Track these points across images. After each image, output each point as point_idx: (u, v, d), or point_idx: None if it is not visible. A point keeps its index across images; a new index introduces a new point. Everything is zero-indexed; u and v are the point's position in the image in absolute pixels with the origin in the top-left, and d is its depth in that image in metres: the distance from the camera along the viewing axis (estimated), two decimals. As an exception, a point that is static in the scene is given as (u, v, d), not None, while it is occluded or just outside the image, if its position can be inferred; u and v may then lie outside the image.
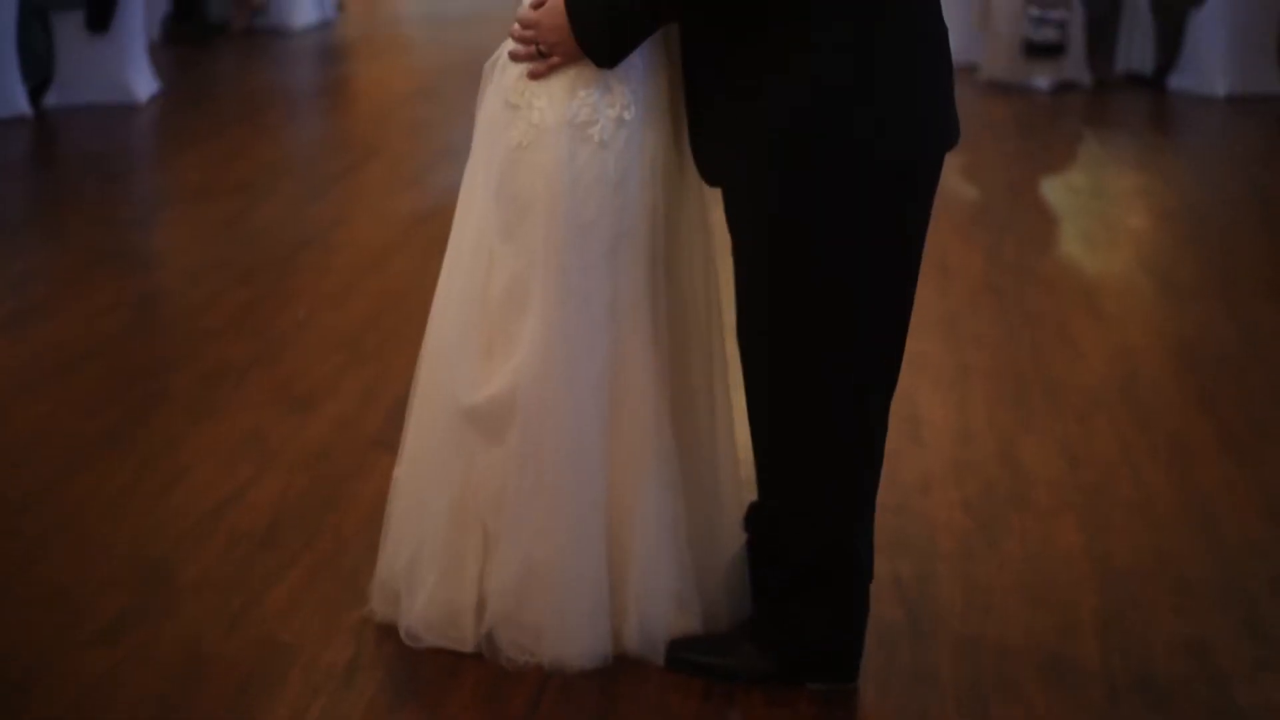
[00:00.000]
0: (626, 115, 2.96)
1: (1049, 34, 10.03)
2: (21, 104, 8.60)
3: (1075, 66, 10.23)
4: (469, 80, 3.13)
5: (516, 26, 2.99)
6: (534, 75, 2.97)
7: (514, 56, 3.01)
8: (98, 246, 6.40)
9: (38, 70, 8.89)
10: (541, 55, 2.95)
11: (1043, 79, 10.13)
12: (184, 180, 7.62)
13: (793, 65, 2.77)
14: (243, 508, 3.92)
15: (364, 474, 4.07)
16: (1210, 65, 10.08)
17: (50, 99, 8.91)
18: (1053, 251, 6.75)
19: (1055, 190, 7.84)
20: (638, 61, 2.96)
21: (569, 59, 2.93)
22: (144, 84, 9.24)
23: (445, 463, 3.08)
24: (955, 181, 7.55)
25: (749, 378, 3.01)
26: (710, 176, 2.98)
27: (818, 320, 2.88)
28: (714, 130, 2.91)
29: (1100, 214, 7.35)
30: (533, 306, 2.98)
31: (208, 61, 11.04)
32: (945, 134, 2.94)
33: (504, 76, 3.03)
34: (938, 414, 4.67)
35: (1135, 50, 10.57)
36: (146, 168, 8.20)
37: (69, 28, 8.96)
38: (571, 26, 2.89)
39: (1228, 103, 9.90)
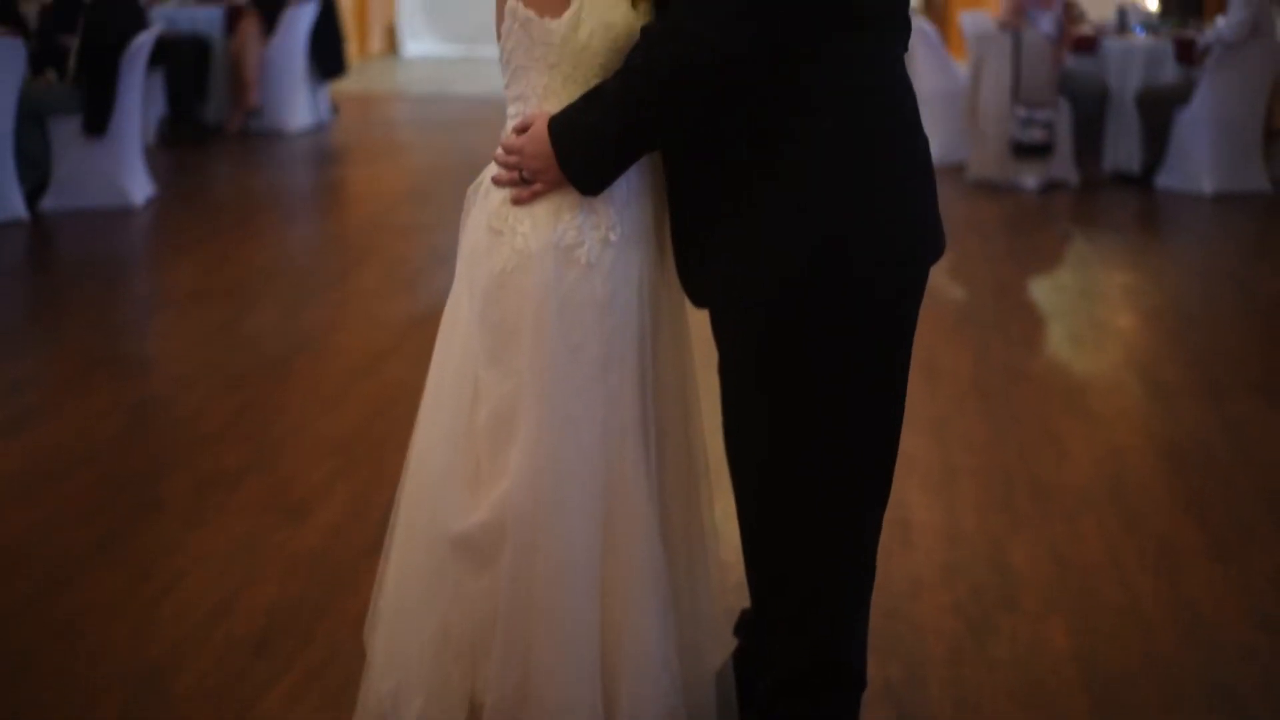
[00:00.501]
0: (612, 236, 2.96)
1: (1036, 134, 10.13)
2: (18, 207, 8.68)
3: (1062, 166, 10.33)
4: (462, 183, 3.15)
5: (500, 151, 2.98)
6: (517, 201, 2.96)
7: (497, 182, 3.00)
8: (93, 351, 6.44)
9: (34, 174, 8.98)
10: (525, 181, 2.94)
11: (1030, 178, 10.23)
12: (179, 284, 7.68)
13: (783, 198, 2.78)
14: (236, 615, 3.94)
15: (356, 581, 4.09)
16: (1196, 164, 10.19)
17: (46, 202, 8.99)
18: (1041, 351, 6.80)
19: (1043, 290, 7.91)
20: (622, 183, 2.95)
21: (552, 186, 2.92)
22: (140, 187, 9.32)
23: (431, 590, 3.05)
24: (943, 282, 7.61)
25: (738, 490, 3.01)
26: (698, 300, 2.98)
27: (808, 437, 2.89)
28: (702, 256, 2.92)
29: (1088, 313, 7.40)
30: (521, 432, 2.96)
31: (203, 164, 11.13)
32: (934, 248, 2.96)
33: (488, 201, 3.03)
34: (927, 516, 4.70)
35: (1122, 149, 10.68)
36: (142, 272, 8.26)
37: (66, 132, 9.05)
38: (555, 154, 2.88)
39: (1214, 201, 10.00)
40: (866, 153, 2.79)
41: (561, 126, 2.87)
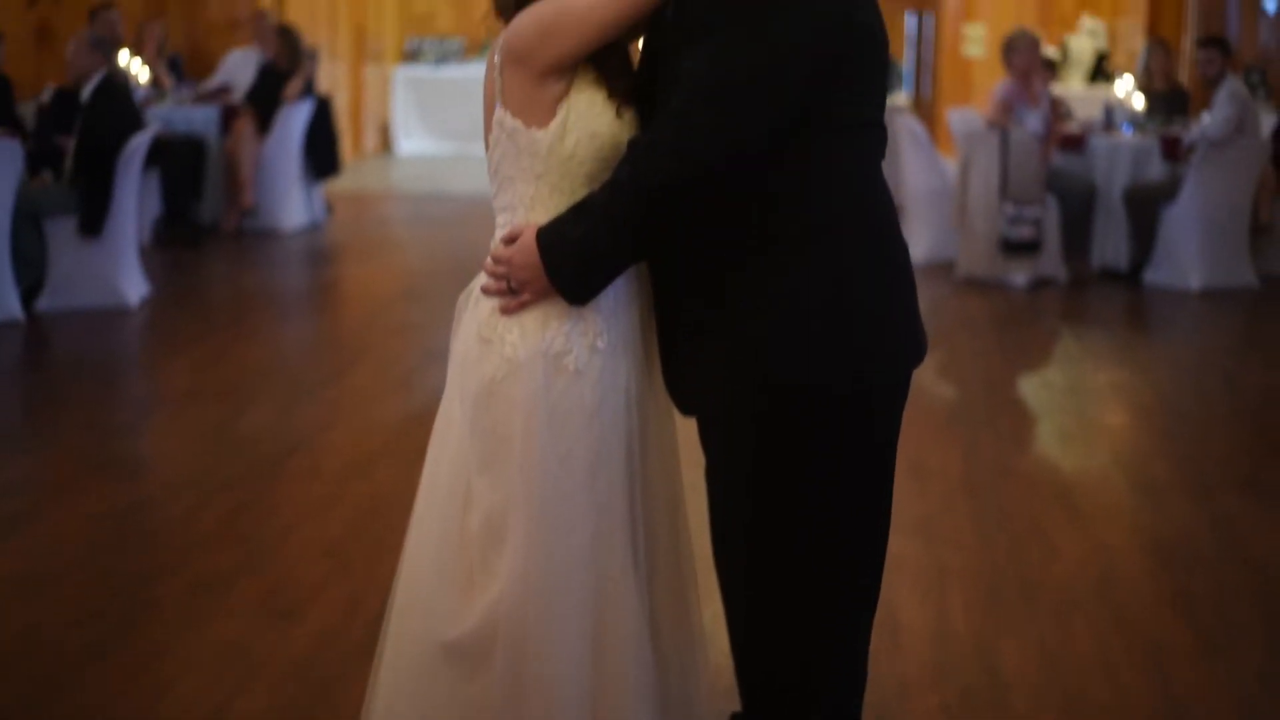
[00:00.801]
0: (600, 343, 3.00)
1: (1024, 231, 10.21)
2: (13, 308, 8.73)
3: (1051, 263, 10.41)
4: (455, 282, 3.20)
5: (489, 261, 3.02)
6: (505, 311, 2.99)
7: (486, 291, 3.03)
8: (87, 453, 6.47)
9: (30, 274, 9.04)
10: (513, 291, 2.98)
11: (1019, 275, 10.30)
12: (173, 385, 7.72)
13: (768, 309, 2.83)
14: (228, 720, 3.95)
15: (348, 683, 4.10)
16: (1184, 260, 10.27)
17: (42, 303, 9.04)
18: (1030, 449, 6.83)
19: (1032, 387, 7.96)
20: (609, 290, 2.99)
21: (540, 296, 2.96)
22: (135, 287, 9.38)
23: (423, 695, 3.06)
24: (932, 380, 7.66)
25: (726, 594, 3.03)
26: (685, 408, 3.03)
27: (796, 541, 2.91)
28: (687, 366, 2.97)
29: (1077, 411, 7.45)
30: (512, 538, 2.99)
31: (198, 264, 11.20)
32: (916, 353, 3.01)
33: (477, 310, 3.06)
34: (915, 616, 4.72)
35: (1110, 246, 10.77)
36: (136, 372, 8.30)
37: (62, 232, 9.11)
38: (543, 266, 2.92)
39: (1202, 297, 10.07)
40: (847, 262, 2.85)
41: (549, 238, 2.91)
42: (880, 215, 2.93)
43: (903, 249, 2.99)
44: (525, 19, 2.94)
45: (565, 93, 2.96)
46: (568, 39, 2.91)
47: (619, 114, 2.97)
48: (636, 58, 3.08)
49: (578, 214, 2.89)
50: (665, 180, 2.78)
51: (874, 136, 2.94)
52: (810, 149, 2.82)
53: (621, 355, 3.04)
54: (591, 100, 2.97)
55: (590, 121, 2.96)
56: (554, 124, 2.96)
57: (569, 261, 2.91)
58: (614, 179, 2.86)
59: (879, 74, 2.94)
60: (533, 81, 2.95)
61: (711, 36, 2.76)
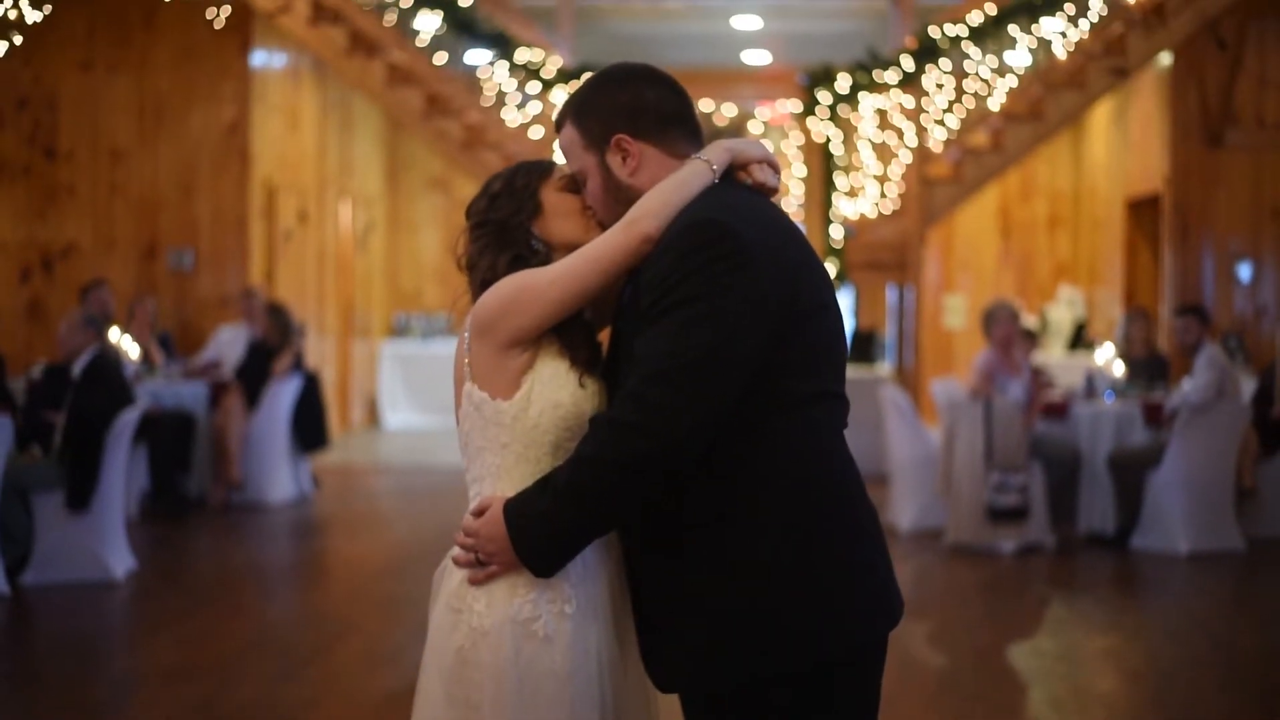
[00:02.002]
0: (568, 609, 3.06)
1: (1011, 498, 10.25)
2: (-3, 584, 8.69)
3: (1038, 529, 10.43)
4: (442, 556, 3.23)
5: (460, 534, 3.10)
6: (474, 581, 3.07)
7: (456, 562, 3.11)
8: (69, 732, 6.38)
9: (16, 549, 9.01)
10: (482, 563, 3.06)
11: (1007, 542, 10.31)
12: (158, 661, 7.64)
13: (732, 584, 2.93)
14: None
15: None
16: (1170, 524, 10.30)
17: (27, 577, 9.00)
18: (1023, 719, 6.77)
19: (1023, 655, 7.90)
20: (578, 559, 3.07)
21: (508, 568, 3.04)
22: (121, 561, 9.35)
23: None
24: (922, 649, 7.62)
25: None
26: (663, 686, 3.08)
27: None
28: (664, 646, 3.03)
29: (1069, 678, 7.39)
30: None
31: (185, 537, 11.18)
32: (889, 616, 3.06)
33: (449, 581, 3.14)
34: None
35: (1096, 511, 10.81)
36: (121, 648, 8.23)
37: (49, 507, 9.11)
38: (509, 538, 3.01)
39: (1189, 561, 10.08)
40: (812, 534, 2.95)
41: (515, 512, 3.01)
42: (840, 481, 3.03)
43: (868, 513, 3.08)
44: (491, 294, 3.10)
45: (530, 364, 3.10)
46: (527, 313, 3.06)
47: (581, 384, 3.10)
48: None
49: (542, 489, 2.99)
50: (625, 457, 2.88)
51: (830, 407, 3.06)
52: (763, 421, 2.94)
53: (591, 621, 3.09)
54: (555, 371, 3.10)
55: (554, 391, 3.08)
56: (519, 395, 3.09)
57: (534, 536, 3.00)
58: (576, 455, 2.96)
59: (834, 346, 3.07)
60: (497, 353, 3.09)
61: (664, 317, 2.89)
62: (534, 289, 3.06)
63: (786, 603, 2.92)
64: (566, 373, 3.10)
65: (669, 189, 3.05)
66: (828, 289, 3.08)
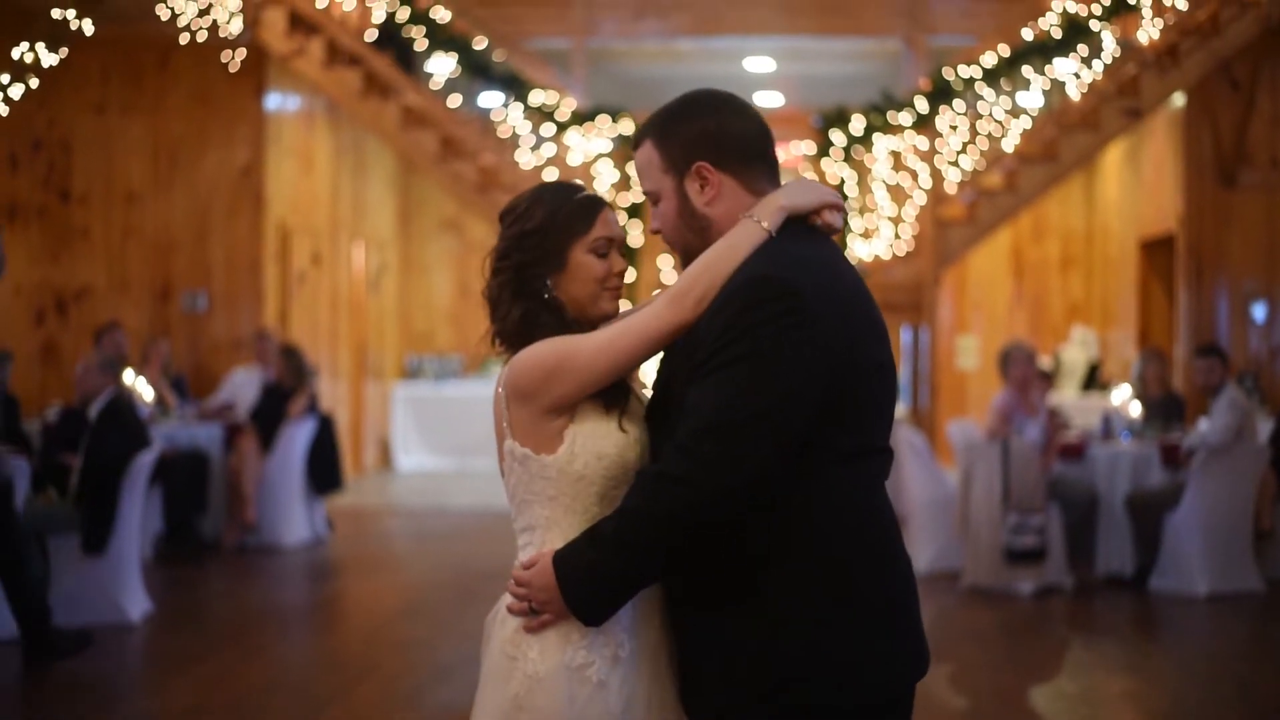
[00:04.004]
0: (621, 653, 3.08)
1: (1028, 540, 10.21)
2: (13, 626, 8.64)
3: (1056, 570, 10.39)
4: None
5: (512, 582, 3.12)
6: (529, 629, 3.09)
7: (510, 611, 3.13)
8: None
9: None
10: (535, 611, 3.08)
11: (1025, 584, 10.27)
12: (174, 704, 7.61)
13: (772, 628, 2.95)
14: None
15: None
16: (1189, 565, 10.25)
17: (43, 621, 8.97)
18: (1047, 761, 6.73)
19: (1045, 697, 7.85)
20: (630, 604, 3.08)
21: (560, 617, 3.06)
22: (136, 604, 9.33)
23: None
24: (942, 691, 7.58)
25: None
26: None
27: None
28: (699, 686, 3.06)
29: (1092, 720, 7.35)
30: None
31: (200, 580, 11.15)
32: (919, 666, 3.10)
33: (503, 629, 3.15)
34: None
35: (1114, 553, 10.76)
36: (137, 691, 8.19)
37: (65, 550, 9.10)
38: (560, 589, 3.02)
39: (1209, 602, 10.02)
40: (857, 581, 2.98)
41: (565, 563, 3.03)
42: (881, 533, 3.06)
43: (905, 562, 3.12)
44: (529, 359, 3.09)
45: (570, 419, 3.10)
46: (571, 383, 3.07)
47: (623, 428, 3.11)
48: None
49: (590, 540, 3.01)
50: (672, 509, 2.90)
51: (878, 461, 3.08)
52: (813, 475, 2.96)
53: (644, 662, 3.11)
54: (596, 423, 3.11)
55: (596, 443, 3.09)
56: (562, 449, 3.10)
57: (583, 586, 3.01)
58: (624, 507, 2.98)
59: (885, 404, 3.09)
60: (539, 416, 3.09)
61: (720, 371, 2.90)
62: (578, 359, 3.06)
63: (833, 645, 2.94)
64: (607, 423, 3.11)
65: (718, 258, 3.04)
66: (886, 347, 3.09)
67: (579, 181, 3.47)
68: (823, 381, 2.91)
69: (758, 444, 2.87)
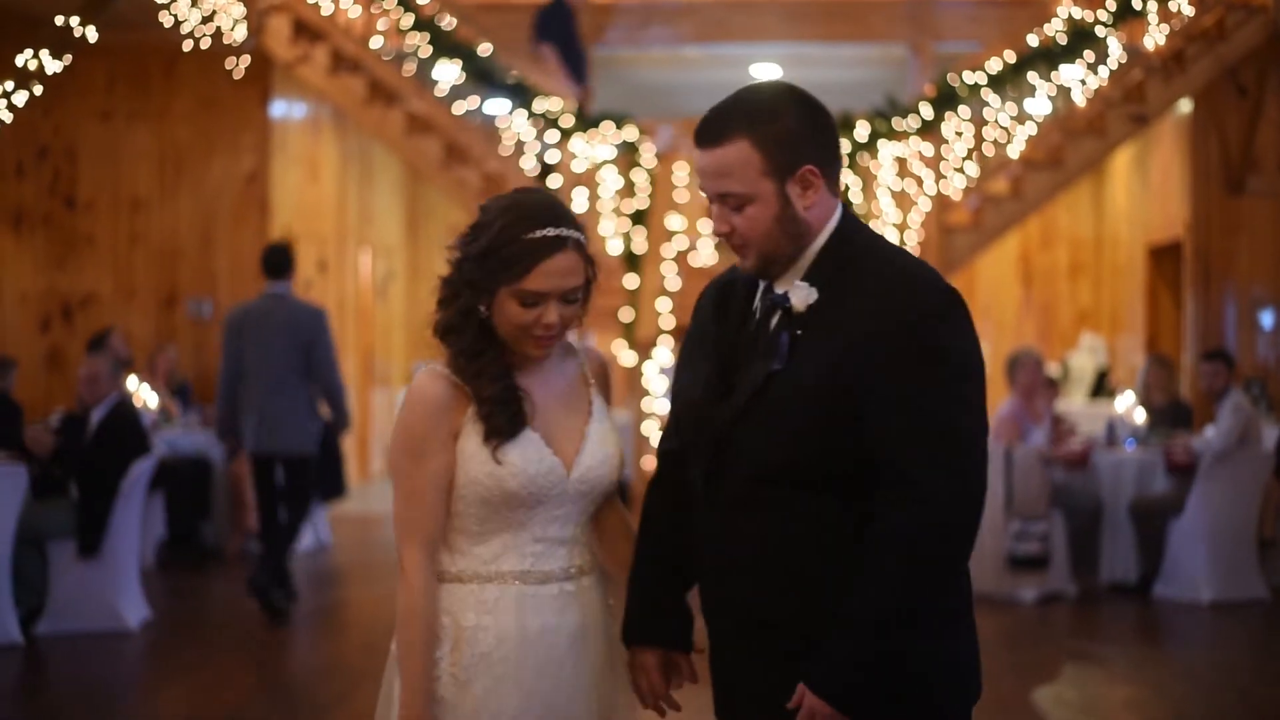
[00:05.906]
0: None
1: (1031, 546, 10.17)
2: (12, 632, 8.65)
3: (1059, 578, 10.35)
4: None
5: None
6: None
7: None
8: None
9: (30, 598, 8.97)
10: None
11: (1028, 591, 10.22)
12: (172, 712, 7.60)
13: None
14: None
15: None
16: (1193, 572, 10.21)
17: (41, 626, 8.96)
18: (1046, 768, 6.69)
19: (1048, 705, 7.81)
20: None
21: None
22: (135, 610, 9.31)
23: None
24: (944, 698, 7.52)
25: None
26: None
27: None
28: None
29: (1092, 728, 7.31)
30: None
31: (201, 587, 11.14)
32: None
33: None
34: None
35: (1118, 560, 10.72)
36: (134, 698, 8.17)
37: (64, 555, 9.08)
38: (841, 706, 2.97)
39: (1212, 609, 9.98)
40: (958, 587, 3.18)
41: (837, 686, 2.95)
42: None
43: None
44: (397, 423, 3.45)
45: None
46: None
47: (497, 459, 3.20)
48: None
49: (843, 634, 2.96)
50: (951, 516, 3.08)
51: None
52: None
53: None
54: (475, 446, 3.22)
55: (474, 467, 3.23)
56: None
57: (860, 686, 2.95)
58: (867, 578, 3.01)
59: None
60: None
61: (931, 378, 2.92)
62: (398, 463, 3.28)
63: (957, 648, 3.13)
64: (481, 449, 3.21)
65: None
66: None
67: (559, 205, 3.26)
68: (984, 385, 3.04)
69: (983, 447, 3.06)
